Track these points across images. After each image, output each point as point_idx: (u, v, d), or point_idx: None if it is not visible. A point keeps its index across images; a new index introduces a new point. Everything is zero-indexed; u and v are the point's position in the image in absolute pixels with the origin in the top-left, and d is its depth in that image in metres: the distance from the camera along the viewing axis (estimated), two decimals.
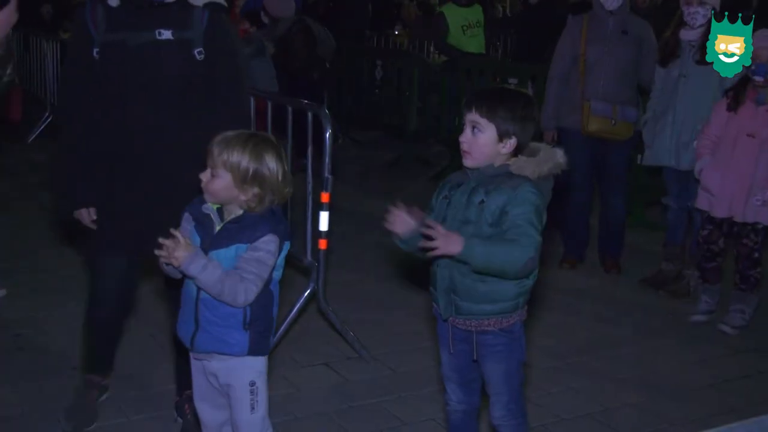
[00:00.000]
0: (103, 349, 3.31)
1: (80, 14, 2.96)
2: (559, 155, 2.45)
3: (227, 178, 2.35)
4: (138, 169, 2.96)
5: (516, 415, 2.59)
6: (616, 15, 5.02)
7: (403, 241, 2.50)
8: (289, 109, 4.14)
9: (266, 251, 2.36)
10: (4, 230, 5.45)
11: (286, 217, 4.10)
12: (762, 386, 3.87)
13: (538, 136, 5.18)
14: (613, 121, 4.99)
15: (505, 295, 2.44)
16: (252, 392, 2.46)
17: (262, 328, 2.45)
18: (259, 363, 2.49)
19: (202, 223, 2.43)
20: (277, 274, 2.47)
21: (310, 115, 3.97)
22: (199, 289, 2.39)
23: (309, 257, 4.01)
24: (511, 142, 2.42)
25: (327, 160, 3.75)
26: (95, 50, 2.92)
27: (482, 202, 2.38)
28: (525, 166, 2.41)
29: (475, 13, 8.13)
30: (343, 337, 3.97)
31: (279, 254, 2.41)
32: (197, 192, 2.46)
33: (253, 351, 2.44)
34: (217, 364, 2.47)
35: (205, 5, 2.97)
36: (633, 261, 5.41)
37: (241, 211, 2.40)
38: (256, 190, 2.36)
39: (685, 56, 4.68)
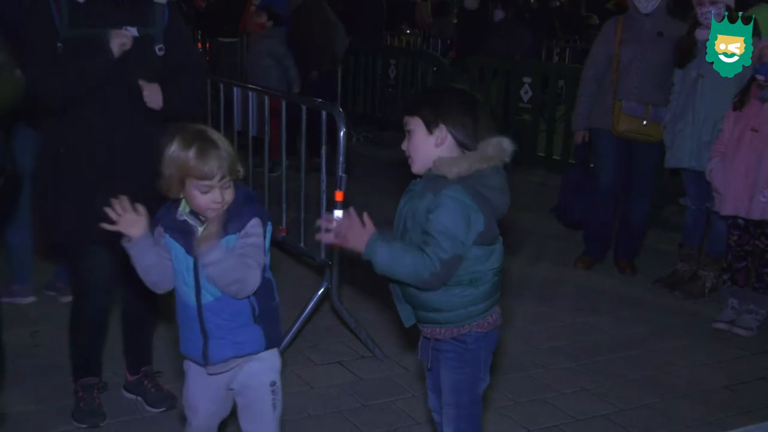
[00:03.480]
0: (100, 345, 3.25)
1: (42, 4, 2.87)
2: (491, 148, 2.24)
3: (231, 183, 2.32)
4: (111, 165, 2.92)
5: None
6: (651, 17, 4.98)
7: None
8: (303, 108, 4.14)
9: (257, 235, 2.32)
10: None
11: (283, 208, 4.10)
12: None
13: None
14: (645, 121, 4.95)
15: (447, 304, 2.30)
16: (273, 392, 2.46)
17: (271, 318, 2.42)
18: (276, 361, 2.48)
19: (181, 231, 2.33)
20: (267, 259, 2.41)
21: (324, 113, 3.98)
22: (198, 297, 2.33)
23: (323, 256, 4.01)
24: (441, 133, 2.27)
25: (341, 158, 3.75)
26: (59, 44, 2.86)
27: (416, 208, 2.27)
28: (442, 165, 2.24)
29: None
30: (357, 335, 3.98)
31: (265, 237, 2.36)
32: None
33: (270, 344, 2.42)
34: (239, 373, 2.43)
35: (167, 1, 3.00)
36: (649, 261, 5.39)
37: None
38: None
39: (701, 56, 4.64)
